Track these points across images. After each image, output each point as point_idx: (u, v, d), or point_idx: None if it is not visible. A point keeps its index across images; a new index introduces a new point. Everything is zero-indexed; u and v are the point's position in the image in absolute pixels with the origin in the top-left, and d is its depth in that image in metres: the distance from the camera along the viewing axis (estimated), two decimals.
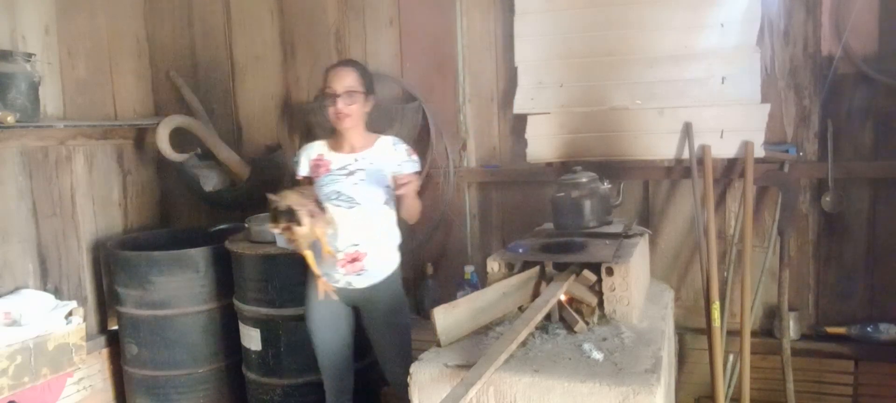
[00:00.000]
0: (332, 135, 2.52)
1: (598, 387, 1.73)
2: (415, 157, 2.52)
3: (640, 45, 2.99)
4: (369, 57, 3.50)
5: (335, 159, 2.46)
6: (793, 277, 2.92)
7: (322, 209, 2.24)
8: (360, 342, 2.64)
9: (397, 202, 2.46)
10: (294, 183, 2.56)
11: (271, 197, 2.19)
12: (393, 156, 2.47)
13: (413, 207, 2.45)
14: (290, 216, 2.13)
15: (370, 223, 2.44)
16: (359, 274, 2.45)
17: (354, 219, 2.41)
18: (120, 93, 3.72)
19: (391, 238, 2.53)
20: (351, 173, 2.42)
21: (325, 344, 2.55)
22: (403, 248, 2.61)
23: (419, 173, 2.52)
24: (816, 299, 2.99)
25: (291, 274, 2.86)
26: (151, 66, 3.92)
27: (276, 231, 2.18)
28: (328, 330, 2.54)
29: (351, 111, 2.38)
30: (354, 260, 2.42)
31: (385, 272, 2.50)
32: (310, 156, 2.52)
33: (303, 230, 2.15)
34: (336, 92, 2.36)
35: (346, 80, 2.38)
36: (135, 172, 3.79)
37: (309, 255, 2.24)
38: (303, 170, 2.52)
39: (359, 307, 2.56)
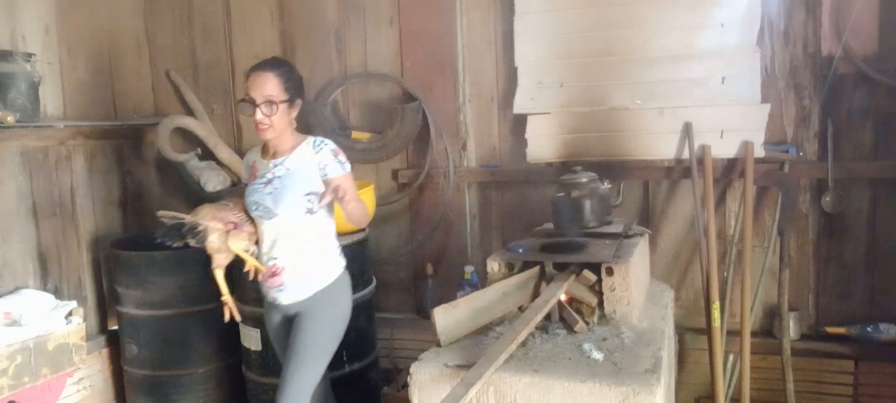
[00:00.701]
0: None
1: (598, 387, 1.73)
2: (342, 158, 2.24)
3: (640, 45, 2.99)
4: (369, 57, 3.50)
5: (261, 166, 2.27)
6: (793, 277, 2.92)
7: (250, 221, 2.19)
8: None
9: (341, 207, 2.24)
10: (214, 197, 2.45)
11: (162, 214, 2.14)
12: (314, 160, 2.21)
13: (355, 212, 2.23)
14: (188, 233, 2.08)
15: (286, 234, 2.22)
16: (280, 290, 2.25)
17: (271, 231, 2.24)
18: (120, 93, 3.71)
19: (317, 251, 2.27)
20: (268, 181, 2.22)
21: (280, 357, 2.44)
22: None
23: (349, 174, 2.26)
24: (816, 299, 2.99)
25: None
26: (151, 65, 3.91)
27: (176, 245, 2.14)
28: (274, 343, 2.46)
29: (271, 122, 2.14)
30: (273, 274, 2.25)
31: (310, 289, 2.25)
32: (248, 163, 2.35)
33: (215, 246, 2.12)
34: (255, 100, 2.13)
35: (266, 88, 2.14)
36: (135, 172, 3.79)
37: (218, 274, 2.22)
38: (246, 178, 2.37)
39: (290, 326, 2.34)
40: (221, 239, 2.12)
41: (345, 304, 2.34)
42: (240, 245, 2.18)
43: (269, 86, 2.15)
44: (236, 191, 3.62)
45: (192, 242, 2.11)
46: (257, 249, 2.31)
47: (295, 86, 2.23)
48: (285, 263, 2.24)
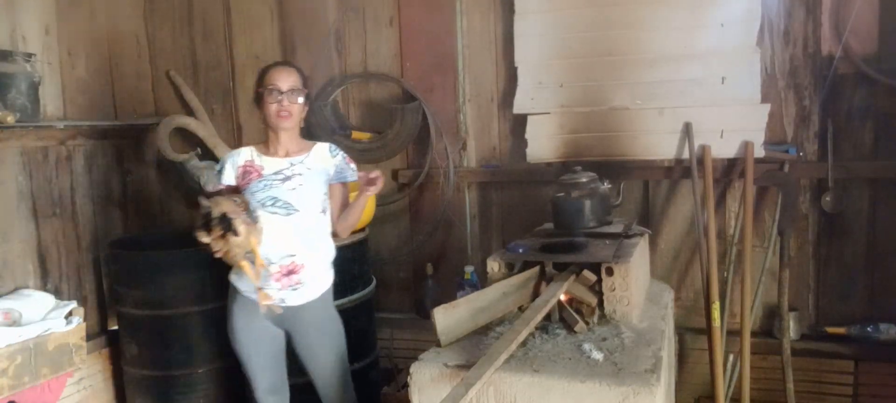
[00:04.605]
0: (263, 139, 2.40)
1: (598, 387, 1.73)
2: (353, 166, 2.42)
3: (640, 45, 2.99)
4: (369, 57, 3.50)
5: (268, 164, 2.31)
6: (793, 277, 2.91)
7: (253, 219, 2.12)
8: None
9: (339, 211, 2.41)
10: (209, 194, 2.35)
11: (205, 201, 2.05)
12: (331, 163, 2.37)
13: (355, 217, 2.41)
14: (226, 224, 2.00)
15: (308, 231, 2.28)
16: (294, 289, 2.27)
17: (291, 227, 2.25)
18: (120, 93, 3.71)
19: (328, 250, 2.38)
20: (287, 178, 2.27)
21: (264, 371, 2.36)
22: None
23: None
24: (816, 299, 2.99)
25: None
26: (151, 65, 3.91)
27: (208, 240, 2.02)
28: (264, 356, 2.35)
29: (293, 110, 2.27)
30: (291, 272, 2.25)
31: (321, 288, 2.34)
32: (236, 163, 2.34)
33: (239, 239, 2.02)
34: (280, 88, 2.25)
35: (291, 79, 2.28)
36: (135, 172, 3.79)
37: (246, 266, 2.08)
38: (227, 179, 2.34)
39: (290, 330, 2.36)
40: (246, 231, 2.06)
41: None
42: (255, 240, 2.11)
43: (293, 78, 2.29)
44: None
45: (217, 233, 2.02)
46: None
47: (307, 87, 2.38)
48: (304, 261, 2.27)
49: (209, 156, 3.70)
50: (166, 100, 3.89)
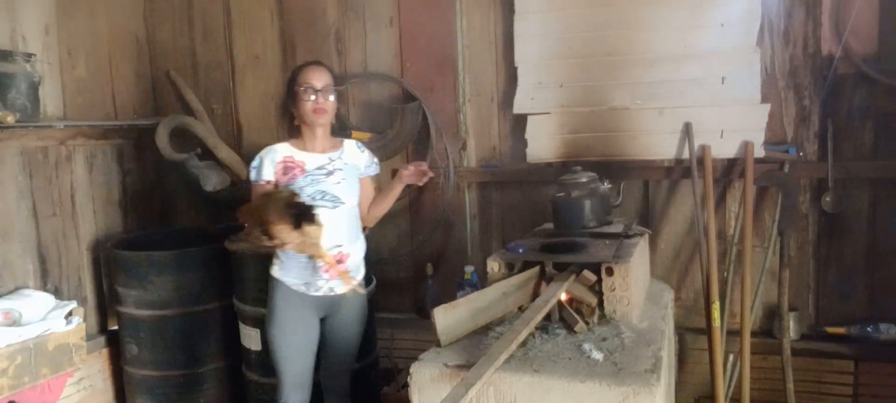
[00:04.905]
0: (296, 136, 2.45)
1: (598, 387, 1.73)
2: (376, 160, 2.60)
3: (640, 45, 2.99)
4: (369, 57, 3.50)
5: (309, 159, 2.40)
6: (793, 277, 2.92)
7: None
8: (336, 359, 2.61)
9: (374, 199, 2.59)
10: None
11: (290, 190, 2.14)
12: (361, 159, 2.52)
13: (387, 206, 2.59)
14: (309, 214, 2.04)
15: (352, 222, 2.44)
16: (344, 279, 2.38)
17: (339, 218, 2.37)
18: (120, 93, 3.71)
19: (363, 241, 2.54)
20: (330, 173, 2.39)
21: (297, 360, 2.45)
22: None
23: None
24: (816, 299, 2.99)
25: None
26: (151, 65, 3.91)
27: (292, 235, 2.04)
28: (299, 348, 2.44)
29: (328, 107, 2.37)
30: (339, 261, 2.37)
31: (360, 276, 2.50)
32: (274, 159, 2.38)
33: (317, 230, 2.06)
34: (315, 86, 2.34)
35: (324, 77, 2.38)
36: (135, 172, 3.79)
37: (327, 255, 2.19)
38: (266, 175, 2.37)
39: (328, 316, 2.48)
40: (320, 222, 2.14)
41: None
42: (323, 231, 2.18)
43: (326, 76, 2.39)
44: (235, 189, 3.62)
45: (299, 229, 2.05)
46: None
47: (338, 86, 2.49)
48: (349, 250, 2.42)
49: (209, 156, 3.70)
50: (166, 100, 3.90)
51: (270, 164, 2.38)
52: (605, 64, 3.05)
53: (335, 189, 2.38)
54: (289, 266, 2.38)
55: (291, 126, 2.50)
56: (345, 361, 2.57)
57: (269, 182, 2.37)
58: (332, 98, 2.39)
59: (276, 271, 2.43)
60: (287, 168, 2.38)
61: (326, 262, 2.23)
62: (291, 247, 2.12)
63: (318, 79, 2.36)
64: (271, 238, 2.05)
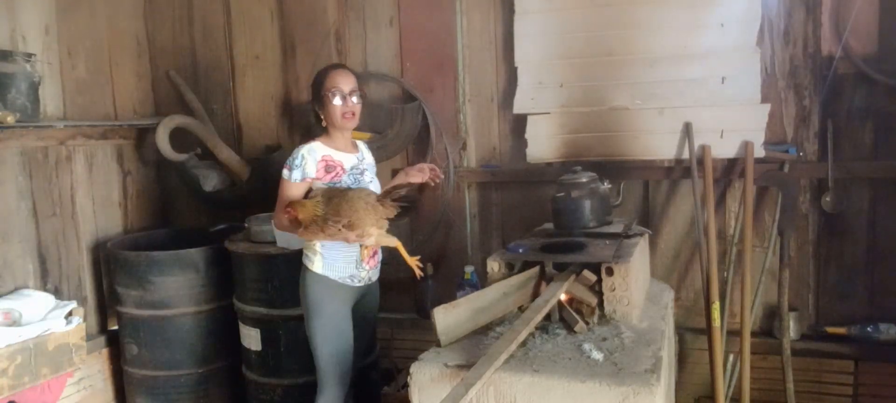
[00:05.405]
0: (324, 136, 2.44)
1: (598, 387, 1.73)
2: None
3: (640, 45, 2.99)
4: (369, 57, 3.50)
5: (345, 159, 2.44)
6: (793, 277, 2.92)
7: None
8: (361, 342, 2.64)
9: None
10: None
11: (368, 190, 2.31)
12: (372, 159, 2.63)
13: None
14: (396, 212, 2.23)
15: None
16: (376, 267, 2.56)
17: None
18: (120, 93, 3.71)
19: None
20: (362, 172, 2.48)
21: (344, 352, 2.45)
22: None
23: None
24: (816, 299, 2.99)
25: (291, 274, 2.85)
26: (151, 65, 3.91)
27: (374, 229, 2.23)
28: (345, 341, 2.46)
29: (357, 110, 2.42)
30: (375, 253, 2.51)
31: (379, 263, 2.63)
32: (315, 157, 2.36)
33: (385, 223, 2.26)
34: (343, 90, 2.37)
35: (350, 81, 2.41)
36: (135, 172, 3.79)
37: (400, 246, 2.33)
38: (310, 172, 2.33)
39: (358, 302, 2.54)
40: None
41: None
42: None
43: (351, 80, 2.42)
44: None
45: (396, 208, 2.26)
46: None
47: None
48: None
49: (209, 156, 3.70)
50: (166, 100, 3.90)
51: (313, 162, 2.35)
52: (605, 64, 3.05)
53: (370, 187, 2.46)
54: (334, 260, 2.38)
55: (309, 125, 2.58)
56: (360, 348, 2.62)
57: (312, 179, 2.35)
58: (355, 100, 2.41)
59: (318, 267, 2.39)
60: (329, 166, 2.38)
61: (401, 252, 2.37)
62: (370, 240, 2.27)
63: (346, 82, 2.39)
64: (353, 228, 2.20)
